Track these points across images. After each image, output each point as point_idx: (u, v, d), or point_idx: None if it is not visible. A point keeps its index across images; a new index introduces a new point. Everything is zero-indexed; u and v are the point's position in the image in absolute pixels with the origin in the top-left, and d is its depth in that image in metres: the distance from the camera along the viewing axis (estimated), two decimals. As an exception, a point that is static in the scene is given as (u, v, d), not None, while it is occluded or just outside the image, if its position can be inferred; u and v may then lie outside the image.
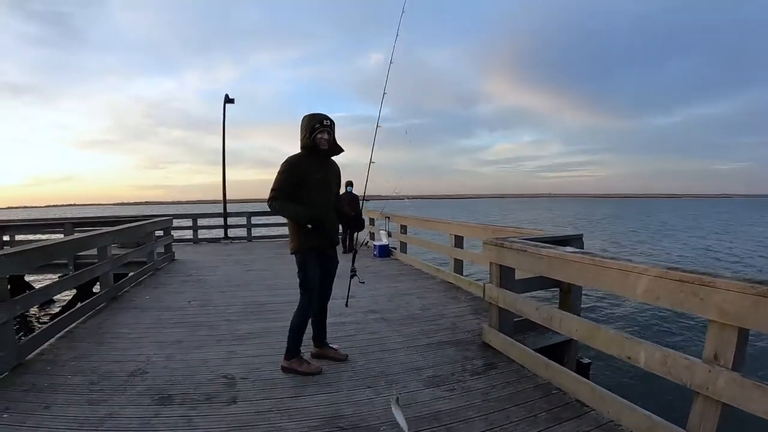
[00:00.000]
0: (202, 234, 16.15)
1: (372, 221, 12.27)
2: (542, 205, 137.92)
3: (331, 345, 4.49)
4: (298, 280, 4.12)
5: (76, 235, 8.15)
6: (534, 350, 4.12)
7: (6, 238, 12.32)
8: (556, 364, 3.80)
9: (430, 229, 10.06)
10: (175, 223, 12.87)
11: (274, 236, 16.06)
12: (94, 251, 6.85)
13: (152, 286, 8.13)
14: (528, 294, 4.63)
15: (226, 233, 16.09)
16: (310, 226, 3.94)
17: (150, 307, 6.56)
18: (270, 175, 4.09)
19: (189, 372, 4.12)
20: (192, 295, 7.24)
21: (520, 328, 4.66)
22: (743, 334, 2.32)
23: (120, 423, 3.22)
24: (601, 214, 72.76)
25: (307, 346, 4.33)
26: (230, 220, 16.34)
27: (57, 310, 11.80)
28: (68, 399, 3.58)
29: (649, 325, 10.75)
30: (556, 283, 4.63)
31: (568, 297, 4.69)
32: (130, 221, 10.53)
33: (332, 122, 4.07)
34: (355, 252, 4.72)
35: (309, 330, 4.24)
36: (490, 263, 4.67)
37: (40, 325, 10.03)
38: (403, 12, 4.51)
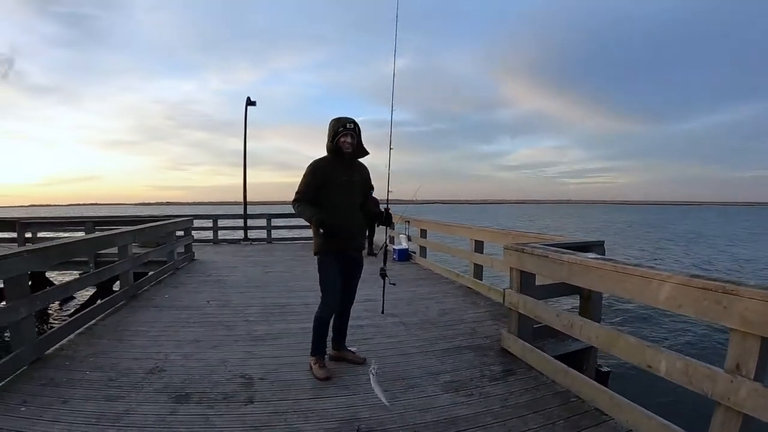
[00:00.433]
0: (222, 235, 16.21)
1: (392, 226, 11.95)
2: (563, 211, 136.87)
3: (349, 348, 4.47)
4: (318, 282, 4.13)
5: (97, 234, 8.22)
6: (553, 357, 4.06)
7: (28, 234, 12.48)
8: (576, 372, 3.74)
9: (450, 234, 10.00)
10: (196, 223, 12.93)
11: (294, 238, 16.05)
12: (114, 250, 6.90)
13: (172, 285, 8.16)
14: (548, 300, 4.56)
15: (246, 234, 16.14)
16: (321, 230, 3.92)
17: (169, 306, 6.58)
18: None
19: (207, 371, 4.12)
20: (211, 295, 7.24)
21: (539, 334, 4.59)
22: (766, 343, 2.26)
23: (137, 420, 3.22)
24: (624, 221, 72.04)
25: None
26: (250, 222, 16.38)
27: (76, 307, 11.91)
28: (86, 394, 3.59)
29: (669, 333, 10.58)
30: (576, 290, 4.57)
31: (589, 304, 4.63)
32: (151, 221, 10.61)
33: (356, 125, 4.05)
34: (380, 255, 4.69)
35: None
36: (511, 269, 4.62)
37: (59, 321, 10.12)
38: (396, 20, 4.58)
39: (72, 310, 11.68)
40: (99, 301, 6.38)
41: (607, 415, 3.25)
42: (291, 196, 4.11)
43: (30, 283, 4.31)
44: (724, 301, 2.38)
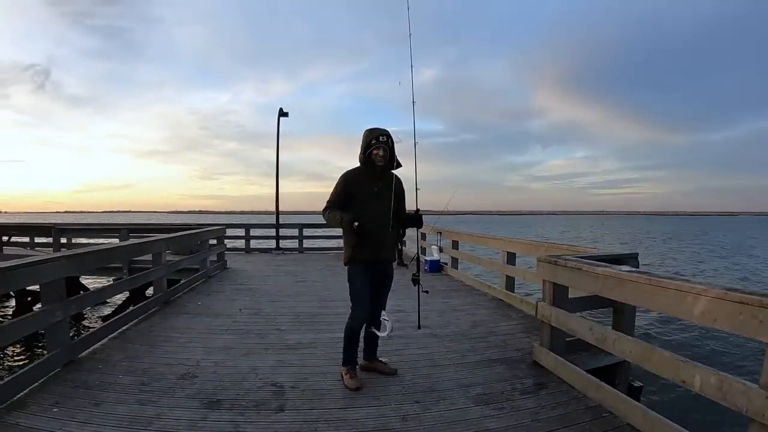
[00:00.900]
0: (255, 244, 16.31)
1: (423, 236, 12.09)
2: (596, 222, 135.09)
3: (380, 358, 4.43)
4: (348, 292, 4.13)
5: (132, 241, 8.33)
6: (585, 371, 3.97)
7: (63, 240, 12.72)
8: (608, 386, 3.66)
9: (482, 245, 9.90)
10: (228, 232, 13.03)
11: (325, 248, 16.04)
12: (148, 256, 6.97)
13: (204, 292, 8.21)
14: (581, 313, 4.50)
15: (277, 244, 16.21)
16: (356, 224, 3.87)
17: (201, 313, 6.62)
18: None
19: (238, 378, 4.12)
20: (243, 304, 7.26)
21: (571, 347, 4.49)
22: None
23: (168, 424, 3.23)
24: (661, 232, 70.84)
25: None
26: (282, 232, 16.45)
27: (109, 311, 12.08)
28: (118, 398, 3.62)
29: (702, 347, 10.34)
30: (609, 303, 4.47)
31: (622, 317, 4.52)
32: (185, 229, 10.72)
33: (389, 137, 4.04)
34: (411, 266, 4.62)
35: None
36: (543, 281, 4.56)
37: (93, 326, 10.27)
38: (410, 34, 4.53)
39: (105, 315, 11.86)
40: (132, 307, 6.46)
41: (639, 431, 3.17)
42: (322, 206, 4.10)
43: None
44: (761, 315, 2.31)
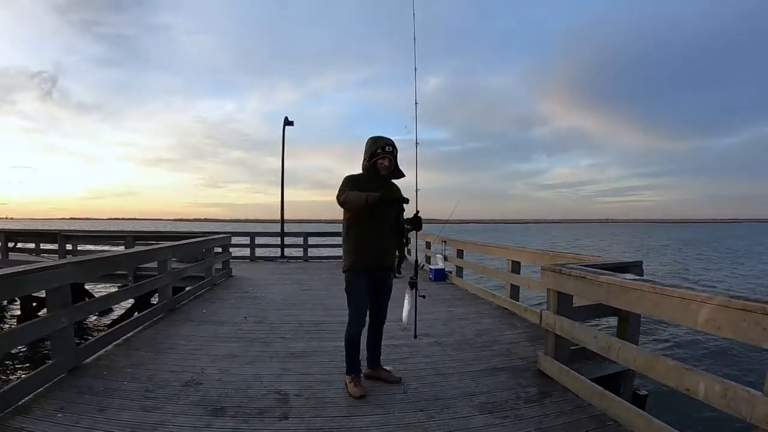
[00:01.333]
0: (260, 252, 16.31)
1: (428, 245, 12.14)
2: (604, 230, 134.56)
3: (384, 367, 4.42)
4: None
5: (138, 248, 8.36)
6: (589, 379, 3.96)
7: (69, 246, 12.77)
8: (612, 395, 3.64)
9: (487, 254, 9.89)
10: (233, 240, 13.04)
11: (330, 257, 16.02)
12: (153, 264, 6.99)
13: (209, 300, 8.21)
14: (585, 322, 4.47)
15: (282, 252, 16.22)
16: (378, 194, 3.78)
17: (206, 321, 6.62)
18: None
19: (242, 385, 4.11)
20: (248, 312, 7.26)
21: (576, 356, 4.48)
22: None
23: (172, 431, 3.23)
24: (668, 238, 70.45)
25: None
26: (287, 240, 16.46)
27: (114, 318, 12.10)
28: (122, 404, 3.63)
29: (705, 354, 10.33)
30: (614, 311, 4.48)
31: (626, 325, 4.54)
32: (190, 237, 10.74)
33: (394, 148, 4.05)
34: (410, 272, 4.60)
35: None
36: (548, 290, 4.56)
37: (97, 332, 10.29)
38: (415, 41, 4.52)
39: (109, 322, 11.87)
40: (137, 314, 6.47)
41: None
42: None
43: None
44: (764, 322, 2.31)
